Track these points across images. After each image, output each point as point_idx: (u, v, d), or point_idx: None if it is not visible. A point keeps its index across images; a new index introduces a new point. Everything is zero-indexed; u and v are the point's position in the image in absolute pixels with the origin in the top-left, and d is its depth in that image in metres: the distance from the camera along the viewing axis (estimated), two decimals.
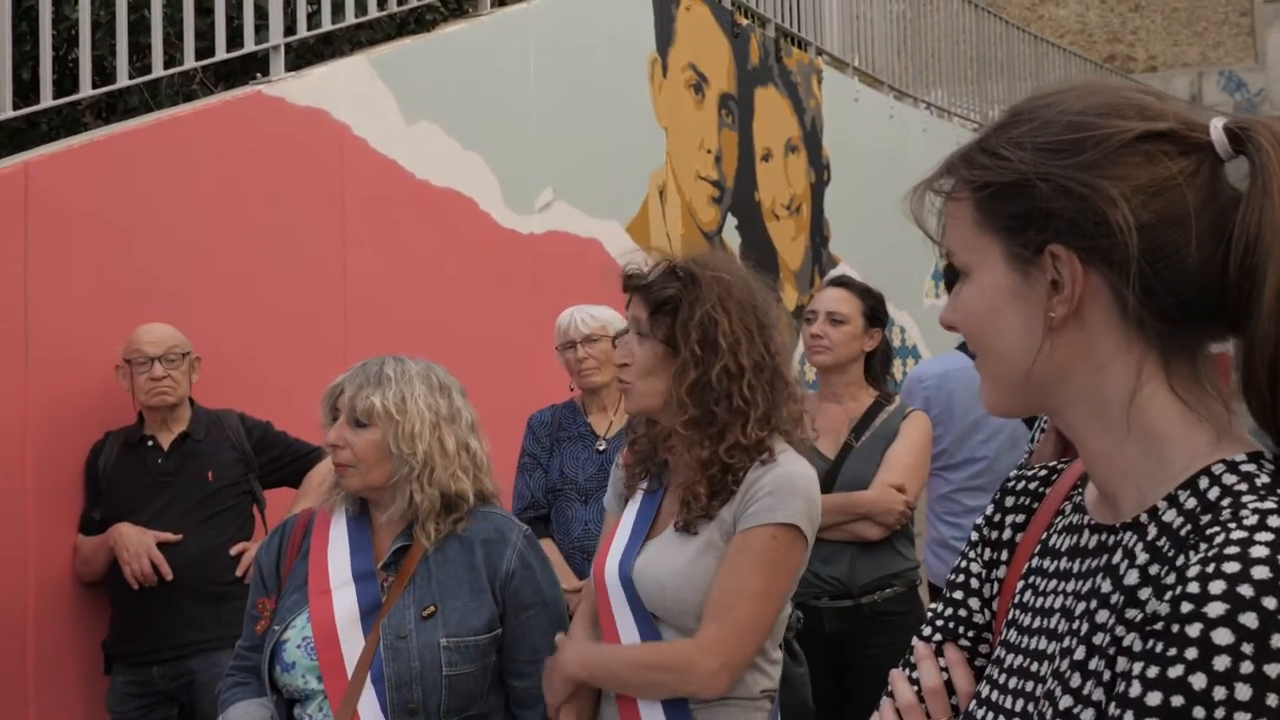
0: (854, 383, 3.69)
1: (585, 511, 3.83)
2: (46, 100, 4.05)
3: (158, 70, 4.44)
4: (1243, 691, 0.89)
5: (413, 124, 5.08)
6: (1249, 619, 0.89)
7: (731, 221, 7.37)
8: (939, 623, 1.26)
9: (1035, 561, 1.18)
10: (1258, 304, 0.99)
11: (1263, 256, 0.98)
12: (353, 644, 2.34)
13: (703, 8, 7.26)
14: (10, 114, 3.97)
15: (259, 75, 4.86)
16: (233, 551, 3.78)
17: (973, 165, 1.10)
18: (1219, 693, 0.89)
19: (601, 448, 3.88)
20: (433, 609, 2.36)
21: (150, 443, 3.81)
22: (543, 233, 5.74)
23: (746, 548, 2.22)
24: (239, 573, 3.75)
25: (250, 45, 4.68)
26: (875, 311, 3.70)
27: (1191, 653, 0.90)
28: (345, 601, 2.38)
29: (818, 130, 8.48)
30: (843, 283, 3.82)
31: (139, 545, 3.63)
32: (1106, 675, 1.00)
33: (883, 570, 3.55)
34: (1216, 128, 1.03)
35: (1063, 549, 1.14)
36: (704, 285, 2.31)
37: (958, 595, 1.27)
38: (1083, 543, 1.12)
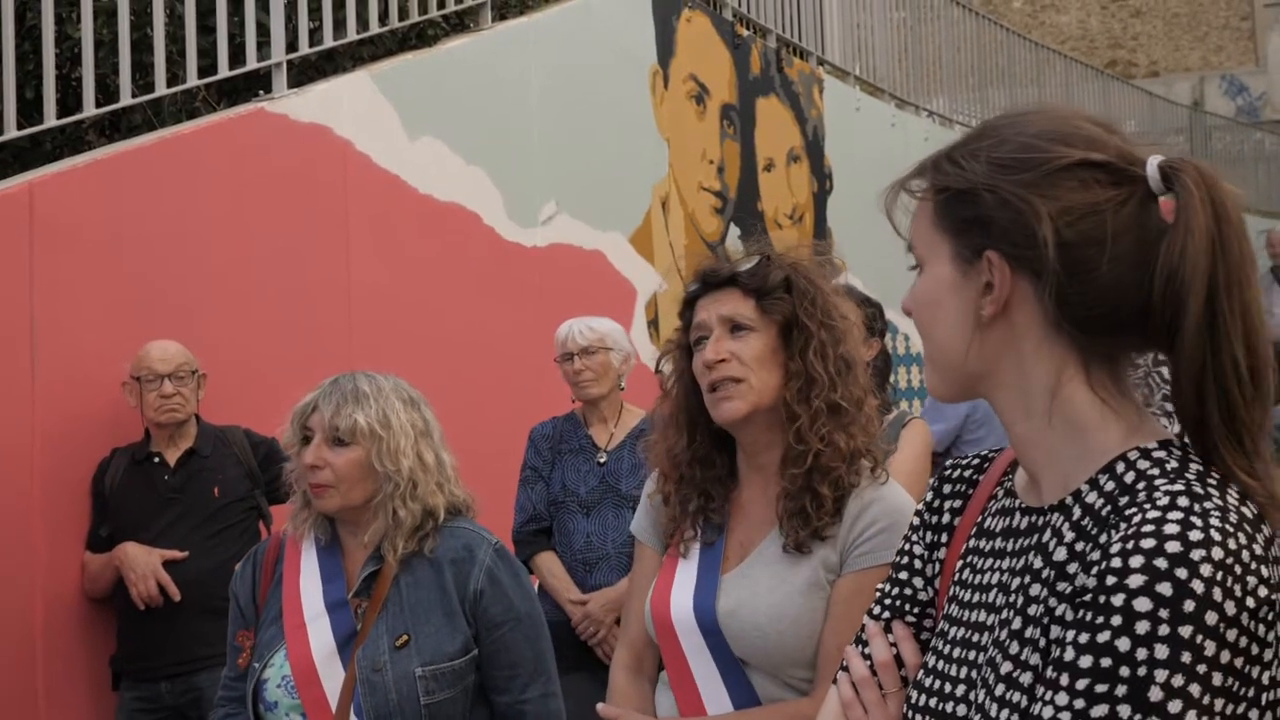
0: None
1: (587, 523, 3.85)
2: (50, 120, 4.08)
3: (160, 88, 4.47)
4: (1161, 651, 1.00)
5: (415, 139, 5.10)
6: (1164, 588, 1.01)
7: (734, 232, 7.39)
8: (887, 601, 1.38)
9: (972, 542, 1.30)
10: (1181, 331, 1.10)
11: (1185, 287, 1.09)
12: (333, 678, 2.31)
13: (703, 19, 7.29)
14: (14, 134, 4.01)
15: (261, 92, 4.89)
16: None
17: (938, 170, 1.23)
18: (1141, 653, 1.01)
19: (602, 460, 3.90)
20: (406, 638, 2.32)
21: (157, 459, 3.83)
22: (546, 245, 5.76)
23: (862, 589, 1.96)
24: None
25: (252, 62, 4.71)
26: (873, 321, 3.71)
27: (1116, 620, 1.02)
28: (321, 635, 2.35)
29: (820, 140, 8.50)
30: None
31: (145, 566, 3.64)
32: (1042, 642, 1.11)
33: None
34: (1152, 164, 1.13)
35: (997, 530, 1.26)
36: (810, 266, 2.15)
37: (903, 575, 1.38)
38: (1014, 524, 1.24)
